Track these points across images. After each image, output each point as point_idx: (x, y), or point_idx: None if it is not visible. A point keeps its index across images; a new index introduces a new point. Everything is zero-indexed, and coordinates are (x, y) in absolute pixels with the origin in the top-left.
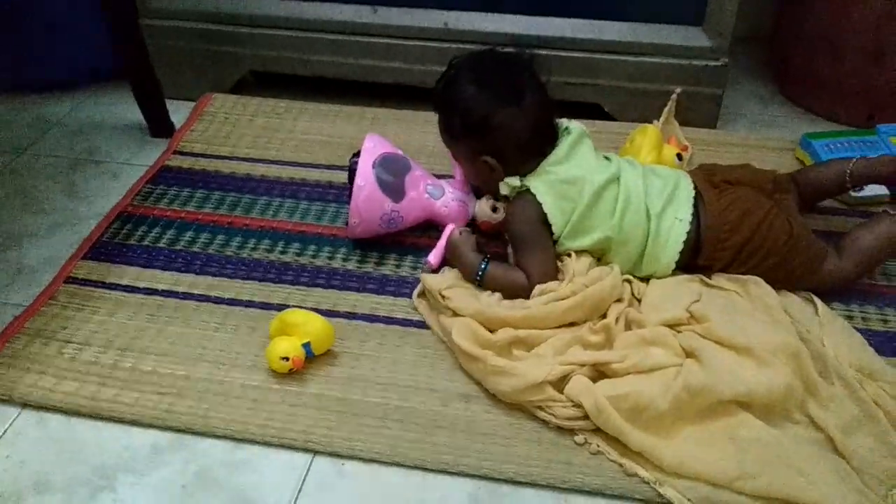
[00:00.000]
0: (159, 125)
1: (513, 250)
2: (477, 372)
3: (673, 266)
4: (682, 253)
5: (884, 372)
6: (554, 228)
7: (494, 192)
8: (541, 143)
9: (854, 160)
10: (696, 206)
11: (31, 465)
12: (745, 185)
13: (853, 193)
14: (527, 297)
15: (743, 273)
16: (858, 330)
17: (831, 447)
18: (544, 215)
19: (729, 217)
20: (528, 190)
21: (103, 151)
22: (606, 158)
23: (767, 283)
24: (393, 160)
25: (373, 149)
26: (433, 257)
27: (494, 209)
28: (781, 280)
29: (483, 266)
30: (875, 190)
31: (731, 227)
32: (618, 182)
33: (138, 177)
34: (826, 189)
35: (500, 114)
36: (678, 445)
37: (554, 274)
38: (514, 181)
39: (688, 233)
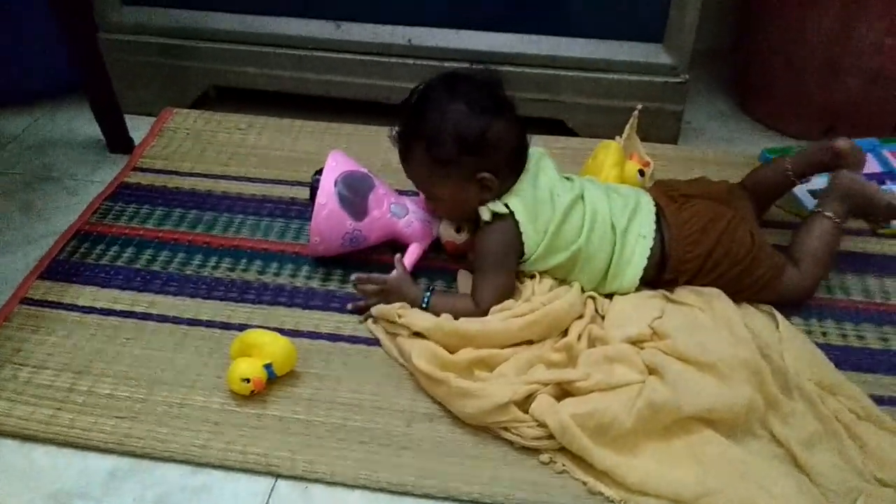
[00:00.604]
0: (118, 141)
1: (476, 270)
2: (440, 394)
3: (637, 282)
4: (646, 269)
5: (843, 386)
6: (526, 250)
7: (469, 219)
8: (523, 158)
9: (791, 155)
10: (658, 221)
11: None
12: (703, 198)
13: (881, 231)
14: (476, 317)
15: (710, 283)
16: (818, 345)
17: (793, 462)
18: (520, 239)
19: (691, 229)
20: (510, 214)
21: (61, 168)
22: (568, 179)
23: (733, 293)
24: (356, 178)
25: (335, 167)
26: (407, 261)
27: (458, 230)
28: (746, 289)
29: (426, 299)
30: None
31: (694, 240)
32: (582, 201)
33: (96, 194)
34: (773, 185)
35: (494, 127)
36: (642, 463)
37: (507, 296)
38: (498, 206)
39: (651, 249)
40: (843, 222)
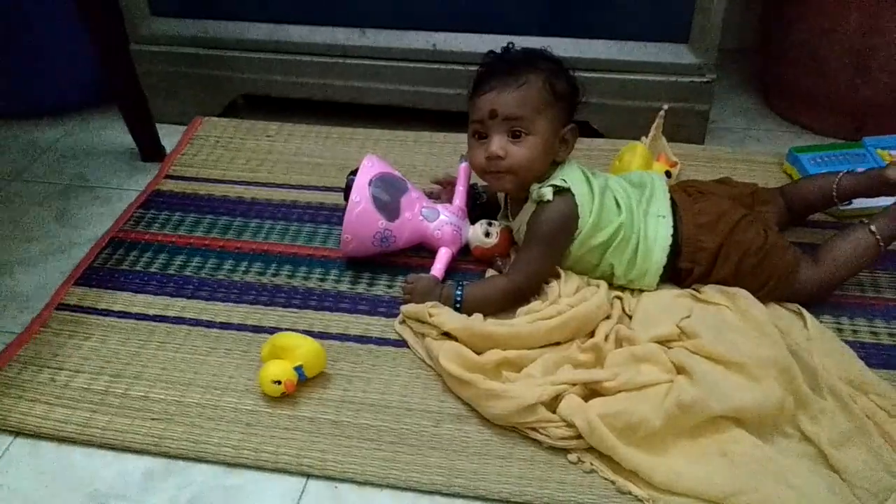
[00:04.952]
0: (150, 150)
1: (523, 246)
2: (468, 396)
3: (663, 264)
4: (668, 255)
5: (874, 385)
6: (581, 223)
7: (535, 179)
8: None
9: (841, 174)
10: (673, 211)
11: (24, 494)
12: (718, 195)
13: (841, 207)
14: (509, 300)
15: (726, 276)
16: (848, 343)
17: (823, 461)
18: (576, 213)
19: (702, 220)
20: (568, 189)
21: (94, 177)
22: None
23: (750, 289)
24: (390, 180)
25: (370, 167)
26: (437, 272)
27: (487, 234)
28: (759, 285)
29: (459, 291)
30: (864, 203)
31: (706, 230)
32: (608, 187)
33: (130, 202)
34: (814, 203)
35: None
36: (670, 462)
37: (541, 282)
38: (557, 181)
39: (672, 228)
40: (886, 244)
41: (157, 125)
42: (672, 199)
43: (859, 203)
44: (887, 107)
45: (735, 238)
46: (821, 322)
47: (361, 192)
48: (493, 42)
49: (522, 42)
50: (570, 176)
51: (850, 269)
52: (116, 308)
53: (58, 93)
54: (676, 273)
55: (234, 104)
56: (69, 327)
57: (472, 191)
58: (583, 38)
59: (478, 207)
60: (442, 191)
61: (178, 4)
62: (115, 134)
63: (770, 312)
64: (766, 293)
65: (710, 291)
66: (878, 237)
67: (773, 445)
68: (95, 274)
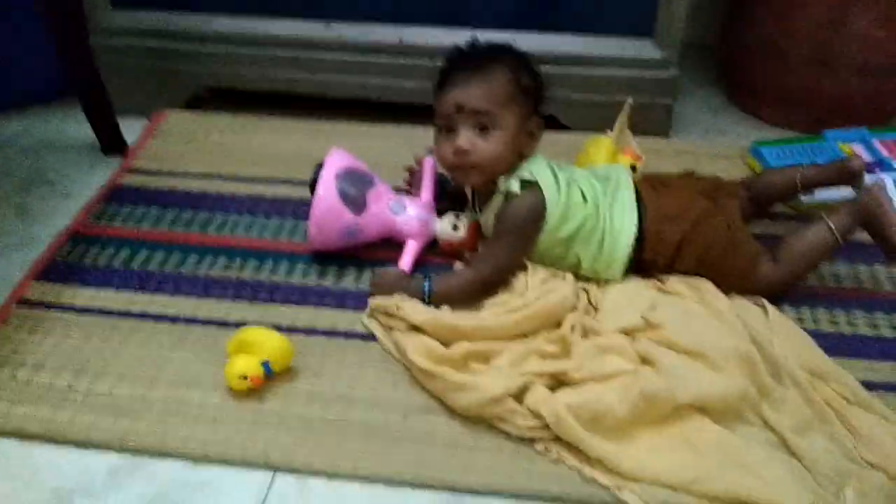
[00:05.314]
0: (112, 143)
1: (491, 238)
2: (436, 388)
3: (628, 255)
4: (633, 246)
5: (834, 373)
6: (548, 215)
7: (500, 173)
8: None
9: (804, 166)
10: (637, 203)
11: None
12: (682, 188)
13: (803, 199)
14: (477, 291)
15: (689, 267)
16: (809, 332)
17: (785, 448)
18: (544, 206)
19: (666, 212)
20: (535, 182)
21: (55, 171)
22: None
23: (711, 280)
24: (356, 174)
25: (336, 161)
26: (405, 265)
27: (455, 227)
28: (724, 277)
29: (427, 283)
30: (826, 195)
31: (669, 222)
32: (574, 180)
33: (91, 196)
34: (777, 194)
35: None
36: (636, 451)
37: (508, 274)
38: (524, 174)
39: (637, 220)
40: (843, 239)
41: (119, 119)
42: (637, 191)
43: (820, 195)
44: (849, 101)
45: (698, 230)
46: (782, 312)
47: (328, 185)
48: (459, 36)
49: (488, 36)
50: (537, 169)
51: (809, 264)
52: (78, 303)
53: (14, 85)
54: (641, 264)
55: (197, 97)
56: (30, 323)
57: (439, 179)
58: (548, 32)
59: (446, 195)
60: (411, 179)
61: None
62: (76, 127)
63: (733, 303)
64: (727, 286)
65: (675, 283)
66: (835, 233)
67: (737, 433)
68: (56, 269)
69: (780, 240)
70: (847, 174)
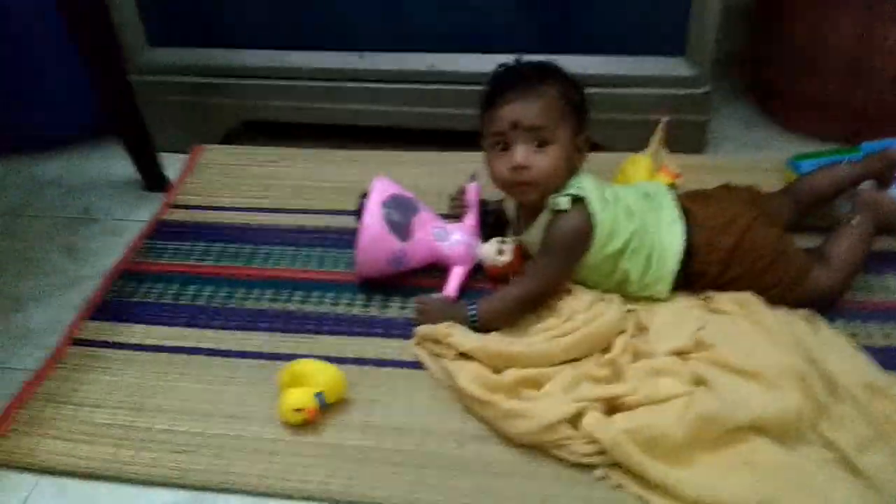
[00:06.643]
0: (153, 179)
1: (538, 255)
2: (489, 416)
3: (677, 269)
4: (681, 261)
5: (891, 387)
6: (597, 231)
7: (556, 188)
8: None
9: (846, 162)
10: (684, 216)
11: None
12: (727, 199)
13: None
14: (524, 308)
15: (737, 279)
16: (862, 346)
17: (846, 466)
18: (591, 223)
19: (715, 223)
20: (583, 198)
21: (99, 209)
22: None
23: (762, 290)
24: (402, 200)
25: (382, 189)
26: (451, 291)
27: (500, 252)
28: (772, 287)
29: (472, 309)
30: None
31: (719, 232)
32: (619, 196)
33: (136, 233)
34: (825, 192)
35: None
36: (696, 475)
37: (554, 291)
38: (572, 190)
39: (684, 233)
40: (873, 230)
41: (158, 154)
42: (681, 205)
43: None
44: (883, 111)
45: (749, 238)
46: (833, 327)
47: (374, 213)
48: (490, 61)
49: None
50: (584, 185)
51: (855, 261)
52: (132, 341)
53: (57, 125)
54: (688, 277)
55: (233, 131)
56: (86, 362)
57: (482, 209)
58: (579, 54)
59: (487, 227)
60: (455, 205)
61: (174, 34)
62: (117, 165)
63: (783, 319)
64: (780, 292)
65: (722, 300)
66: (869, 223)
67: (797, 453)
68: (108, 307)
69: (818, 248)
70: (887, 162)
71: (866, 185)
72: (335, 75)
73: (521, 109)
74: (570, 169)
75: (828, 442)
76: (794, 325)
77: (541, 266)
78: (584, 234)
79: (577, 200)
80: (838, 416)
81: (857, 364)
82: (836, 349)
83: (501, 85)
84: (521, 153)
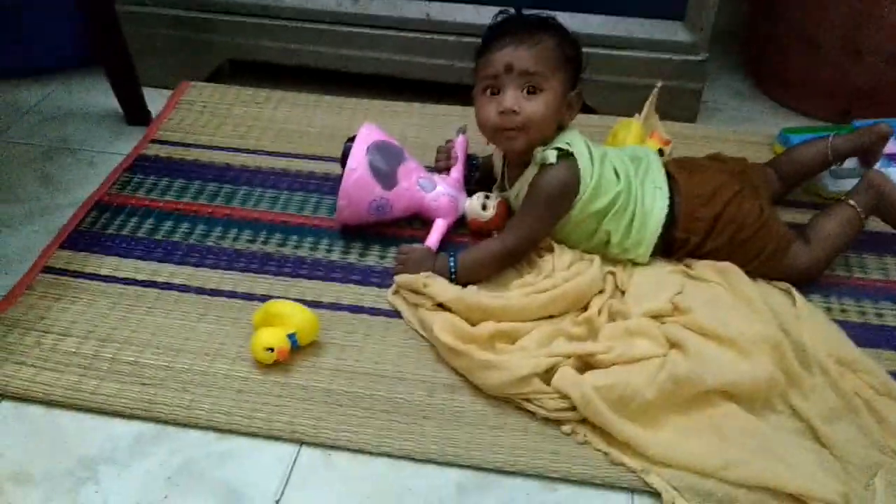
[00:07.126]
0: (136, 113)
1: (521, 208)
2: (462, 367)
3: (658, 234)
4: (663, 225)
5: (862, 363)
6: (581, 188)
7: (542, 142)
8: None
9: (832, 135)
10: (668, 183)
11: (11, 457)
12: (713, 170)
13: (830, 188)
14: (503, 263)
15: (719, 248)
16: (837, 322)
17: (813, 436)
18: (578, 178)
19: (699, 192)
20: (571, 153)
21: (78, 139)
22: None
23: (741, 262)
24: (387, 148)
25: (368, 135)
26: (432, 242)
27: (484, 207)
28: (753, 259)
29: (452, 261)
30: (850, 183)
31: (703, 202)
32: (607, 156)
33: (115, 165)
34: (809, 166)
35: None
36: (664, 435)
37: (533, 246)
38: (561, 144)
39: (668, 199)
40: (867, 216)
41: (142, 88)
42: (668, 172)
43: (843, 183)
44: (877, 90)
45: (731, 210)
46: (810, 301)
47: (359, 159)
48: (487, 13)
49: None
50: (573, 140)
51: (837, 245)
52: (103, 272)
53: (38, 53)
54: (669, 245)
55: (220, 69)
56: (55, 290)
57: (469, 163)
58: (578, 11)
59: (473, 181)
60: (441, 157)
61: None
62: (99, 96)
63: (761, 290)
64: (758, 266)
65: (702, 268)
66: (858, 209)
67: (765, 420)
68: (81, 237)
69: (805, 226)
70: (876, 137)
71: (850, 164)
72: (327, 18)
73: (516, 53)
74: (559, 122)
75: (796, 412)
76: (772, 296)
77: (521, 220)
78: (569, 189)
79: (565, 155)
80: (809, 387)
81: (831, 338)
82: (812, 322)
83: (498, 30)
84: (510, 97)
